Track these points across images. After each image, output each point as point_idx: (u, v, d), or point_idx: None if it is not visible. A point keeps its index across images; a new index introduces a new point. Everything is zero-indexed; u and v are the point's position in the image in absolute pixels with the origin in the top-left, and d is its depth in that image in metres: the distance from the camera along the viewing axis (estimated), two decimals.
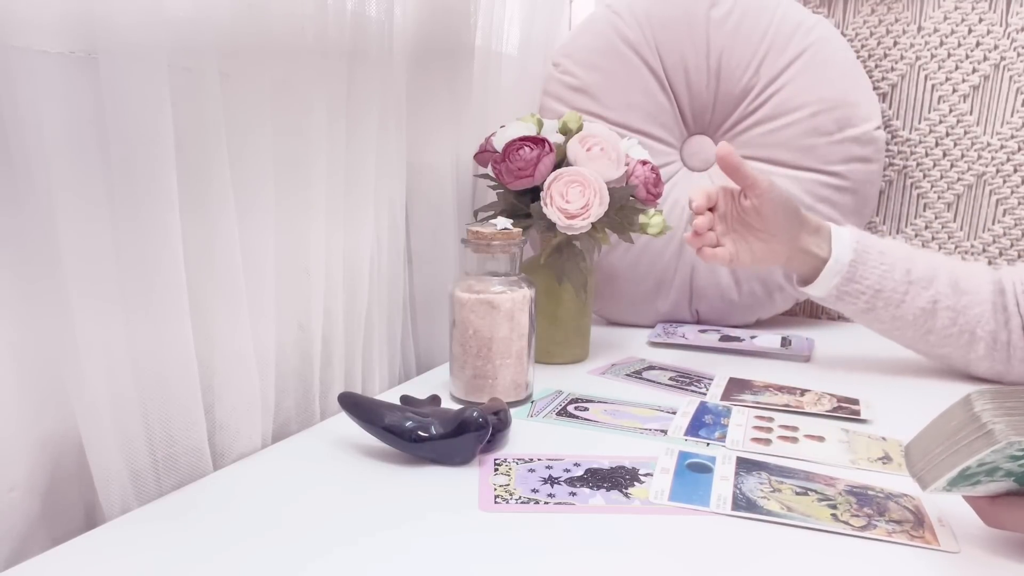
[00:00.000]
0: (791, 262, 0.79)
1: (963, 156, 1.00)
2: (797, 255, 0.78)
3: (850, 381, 0.78)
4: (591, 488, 0.52)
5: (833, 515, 0.48)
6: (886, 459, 0.58)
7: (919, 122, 1.02)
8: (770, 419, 0.66)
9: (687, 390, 0.74)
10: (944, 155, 1.01)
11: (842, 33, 1.03)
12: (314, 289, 0.64)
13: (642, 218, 0.80)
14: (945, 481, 0.42)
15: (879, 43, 1.02)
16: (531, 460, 0.57)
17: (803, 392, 0.74)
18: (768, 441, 0.61)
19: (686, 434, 0.62)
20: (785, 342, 0.92)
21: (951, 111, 1.00)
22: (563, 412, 0.67)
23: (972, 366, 0.78)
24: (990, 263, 0.95)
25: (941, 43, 0.99)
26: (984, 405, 0.40)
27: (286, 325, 0.63)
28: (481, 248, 0.67)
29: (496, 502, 0.50)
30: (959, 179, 1.01)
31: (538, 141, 0.74)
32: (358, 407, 0.56)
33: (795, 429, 0.64)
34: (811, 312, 1.12)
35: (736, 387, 0.75)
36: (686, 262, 0.98)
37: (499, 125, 0.82)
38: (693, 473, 0.54)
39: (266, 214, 0.57)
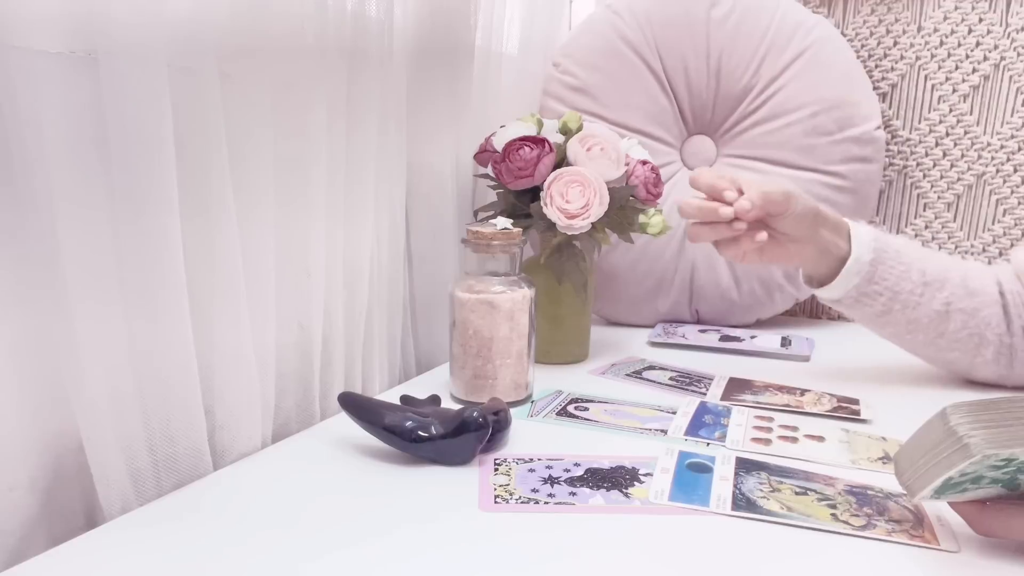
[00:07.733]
0: (807, 262, 0.74)
1: (963, 156, 1.00)
2: (814, 255, 0.72)
3: (850, 381, 0.78)
4: (591, 488, 0.52)
5: (833, 515, 0.48)
6: (886, 459, 0.58)
7: (919, 122, 1.02)
8: (770, 419, 0.66)
9: (687, 390, 0.74)
10: (944, 155, 1.01)
11: (842, 33, 1.03)
12: (314, 289, 0.64)
13: (642, 218, 0.80)
14: (931, 490, 0.43)
15: (879, 43, 1.02)
16: (531, 460, 0.57)
17: (803, 392, 0.74)
18: (768, 441, 0.61)
19: (686, 434, 0.62)
20: (785, 342, 0.92)
21: (951, 111, 1.00)
22: (563, 412, 0.67)
23: (976, 370, 0.76)
24: (990, 263, 0.95)
25: (941, 43, 0.99)
26: (960, 419, 0.41)
27: (286, 325, 0.63)
28: (481, 248, 0.67)
29: (496, 502, 0.50)
30: (959, 179, 1.01)
31: (538, 141, 0.74)
32: (358, 407, 0.56)
33: (795, 429, 0.64)
34: (811, 312, 1.12)
35: (736, 387, 0.75)
36: (686, 262, 0.98)
37: (499, 125, 0.82)
38: (693, 473, 0.54)
39: (266, 214, 0.57)
